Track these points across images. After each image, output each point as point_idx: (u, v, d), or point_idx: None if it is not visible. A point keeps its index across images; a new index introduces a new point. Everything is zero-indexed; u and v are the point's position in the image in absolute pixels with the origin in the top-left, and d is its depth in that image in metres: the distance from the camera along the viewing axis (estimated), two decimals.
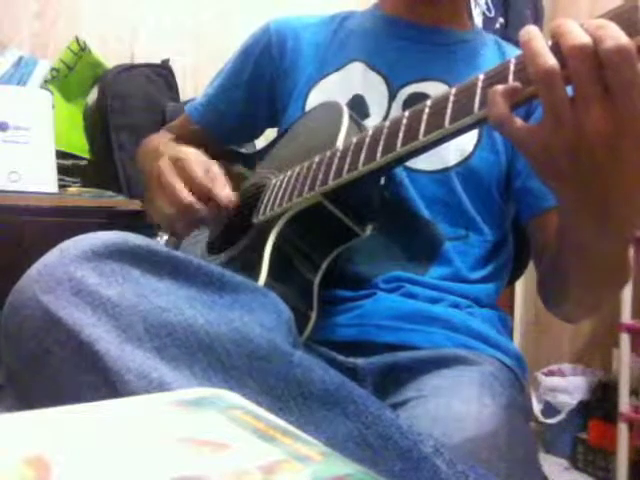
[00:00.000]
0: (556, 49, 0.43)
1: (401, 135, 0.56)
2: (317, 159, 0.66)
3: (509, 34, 2.06)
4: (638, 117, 0.42)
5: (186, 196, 0.68)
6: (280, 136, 0.85)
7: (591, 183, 0.47)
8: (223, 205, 0.67)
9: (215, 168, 0.71)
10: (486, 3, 2.08)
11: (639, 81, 0.41)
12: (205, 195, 0.68)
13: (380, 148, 0.58)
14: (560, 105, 0.44)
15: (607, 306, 0.72)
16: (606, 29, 0.41)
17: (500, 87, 0.46)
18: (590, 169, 0.46)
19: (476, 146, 0.75)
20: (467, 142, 0.75)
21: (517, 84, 0.46)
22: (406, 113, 0.58)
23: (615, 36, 0.41)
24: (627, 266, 0.62)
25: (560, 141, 0.45)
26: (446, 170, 0.74)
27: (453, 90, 0.53)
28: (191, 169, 0.69)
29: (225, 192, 0.68)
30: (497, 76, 0.50)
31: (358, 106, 0.78)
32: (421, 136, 0.54)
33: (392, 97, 0.78)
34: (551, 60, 0.43)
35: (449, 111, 0.52)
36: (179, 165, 0.71)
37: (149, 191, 0.77)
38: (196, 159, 0.71)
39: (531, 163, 0.49)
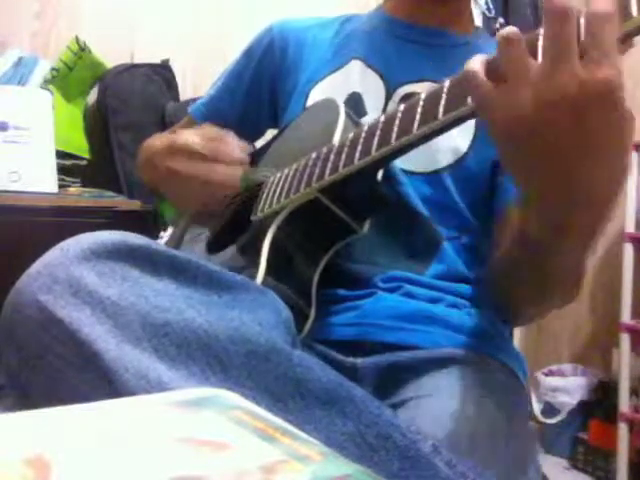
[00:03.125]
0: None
1: (396, 129, 0.56)
2: (314, 155, 0.66)
3: None
4: (606, 87, 0.41)
5: (202, 169, 0.70)
6: (278, 134, 0.85)
7: (552, 156, 0.45)
8: (236, 156, 0.69)
9: (209, 129, 0.73)
10: (486, 3, 2.08)
11: (613, 51, 0.41)
12: (215, 158, 0.70)
13: (375, 142, 0.58)
14: (518, 62, 0.44)
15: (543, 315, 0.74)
16: None
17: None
18: (551, 138, 0.44)
19: (471, 146, 0.75)
20: (461, 142, 0.75)
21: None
22: (401, 107, 0.58)
23: (606, 3, 0.41)
24: (580, 278, 0.62)
25: (520, 101, 0.43)
26: (439, 171, 0.74)
27: (446, 83, 0.54)
28: (190, 140, 0.71)
29: (230, 147, 0.69)
30: None
31: (355, 104, 0.78)
32: (415, 129, 0.54)
33: (389, 96, 0.78)
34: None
35: (443, 103, 0.52)
36: (176, 147, 0.73)
37: (163, 192, 0.81)
38: (188, 133, 0.74)
39: (492, 133, 0.47)
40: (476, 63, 0.47)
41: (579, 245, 0.54)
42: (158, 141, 0.89)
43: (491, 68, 0.46)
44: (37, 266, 0.43)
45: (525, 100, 0.43)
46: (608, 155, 0.45)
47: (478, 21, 1.99)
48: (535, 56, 0.44)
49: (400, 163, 0.73)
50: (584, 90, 0.41)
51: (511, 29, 0.45)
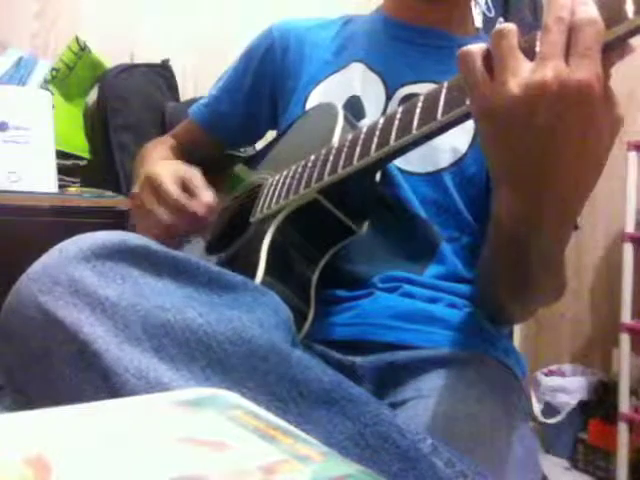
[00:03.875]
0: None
1: (395, 129, 0.56)
2: (313, 157, 0.67)
3: None
4: (583, 87, 0.43)
5: (164, 217, 0.70)
6: (277, 138, 0.85)
7: (525, 141, 0.46)
8: (200, 215, 0.68)
9: (189, 177, 0.72)
10: (486, 3, 2.08)
11: (595, 55, 0.43)
12: (181, 210, 0.69)
13: (374, 143, 0.58)
14: (508, 55, 0.46)
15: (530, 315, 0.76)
16: (586, 5, 0.44)
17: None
18: (527, 126, 0.45)
19: (470, 146, 0.75)
20: (461, 142, 0.75)
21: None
22: (400, 108, 0.58)
23: (590, 11, 0.44)
24: (562, 273, 0.62)
25: (505, 89, 0.45)
26: (439, 172, 0.75)
27: (445, 84, 0.54)
28: (164, 188, 0.71)
29: (196, 204, 0.69)
30: None
31: (354, 107, 0.78)
32: (414, 129, 0.55)
33: (389, 98, 0.78)
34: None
35: (441, 103, 0.53)
36: (153, 185, 0.72)
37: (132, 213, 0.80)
38: (170, 174, 0.73)
39: (474, 112, 0.49)
40: (473, 47, 0.49)
41: (550, 238, 0.55)
42: (154, 151, 0.90)
43: (484, 56, 0.48)
44: (36, 267, 0.43)
45: (509, 90, 0.45)
46: (581, 151, 0.46)
47: (478, 21, 1.99)
48: (532, 57, 0.46)
49: (399, 164, 0.73)
50: (563, 88, 0.43)
51: (506, 24, 0.47)
